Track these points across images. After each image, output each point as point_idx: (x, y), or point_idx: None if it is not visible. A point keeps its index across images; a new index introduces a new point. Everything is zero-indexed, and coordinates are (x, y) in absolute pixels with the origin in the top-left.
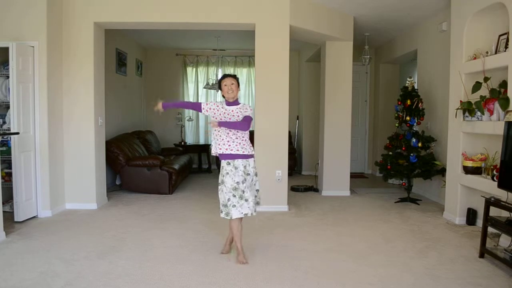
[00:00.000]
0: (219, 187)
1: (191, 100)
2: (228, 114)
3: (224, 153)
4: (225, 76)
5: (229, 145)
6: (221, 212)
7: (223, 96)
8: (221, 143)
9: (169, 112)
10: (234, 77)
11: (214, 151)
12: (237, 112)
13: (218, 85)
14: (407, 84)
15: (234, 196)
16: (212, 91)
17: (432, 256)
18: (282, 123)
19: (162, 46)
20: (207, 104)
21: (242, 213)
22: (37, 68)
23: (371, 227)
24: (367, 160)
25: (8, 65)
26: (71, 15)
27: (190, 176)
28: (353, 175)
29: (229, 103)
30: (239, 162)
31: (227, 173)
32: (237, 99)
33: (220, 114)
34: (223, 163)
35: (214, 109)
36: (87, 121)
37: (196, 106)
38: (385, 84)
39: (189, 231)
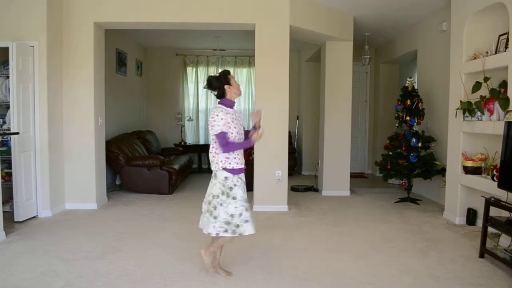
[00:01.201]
0: (222, 199)
1: (190, 100)
2: (236, 119)
3: (241, 168)
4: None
5: (240, 159)
6: (226, 230)
7: (222, 94)
8: (234, 156)
9: (169, 112)
10: None
11: (226, 165)
12: (239, 115)
13: (225, 78)
14: (407, 84)
15: (247, 210)
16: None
17: (432, 256)
18: (282, 123)
19: (162, 46)
20: (228, 125)
21: (254, 227)
22: (37, 68)
23: (371, 227)
24: (367, 160)
25: (8, 65)
26: (71, 15)
27: (190, 176)
28: (353, 175)
29: (232, 104)
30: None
31: (235, 185)
32: None
33: (234, 120)
34: (229, 174)
35: (230, 120)
36: (87, 121)
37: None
38: (385, 84)
39: (189, 231)
